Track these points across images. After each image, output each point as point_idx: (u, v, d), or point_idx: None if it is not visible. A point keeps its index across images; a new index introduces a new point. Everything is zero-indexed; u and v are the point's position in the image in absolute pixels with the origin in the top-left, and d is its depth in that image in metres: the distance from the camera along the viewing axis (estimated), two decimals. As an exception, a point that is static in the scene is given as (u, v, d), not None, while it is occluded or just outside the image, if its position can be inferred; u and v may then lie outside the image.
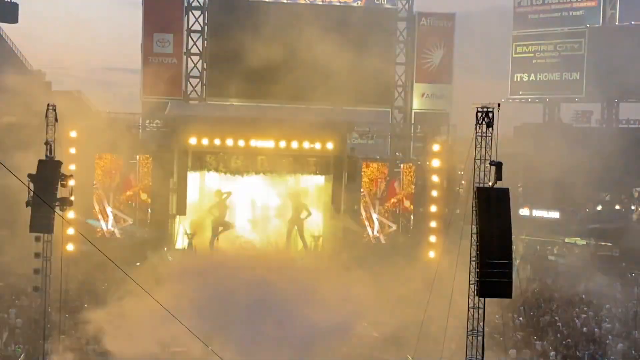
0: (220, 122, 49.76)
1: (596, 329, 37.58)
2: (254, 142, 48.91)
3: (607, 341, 35.73)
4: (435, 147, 53.20)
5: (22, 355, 32.06)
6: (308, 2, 57.23)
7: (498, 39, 73.46)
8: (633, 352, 34.82)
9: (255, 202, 51.18)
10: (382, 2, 58.64)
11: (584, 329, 37.83)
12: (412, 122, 58.60)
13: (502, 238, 25.24)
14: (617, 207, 64.26)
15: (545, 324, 38.59)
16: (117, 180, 49.04)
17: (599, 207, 64.66)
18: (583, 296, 44.31)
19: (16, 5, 64.91)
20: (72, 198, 31.82)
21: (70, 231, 36.59)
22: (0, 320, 35.17)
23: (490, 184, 26.59)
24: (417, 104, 59.09)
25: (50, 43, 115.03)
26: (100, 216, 48.88)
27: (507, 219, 25.46)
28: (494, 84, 76.10)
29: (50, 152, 31.58)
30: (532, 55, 76.47)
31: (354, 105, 54.00)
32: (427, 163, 52.79)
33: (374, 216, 52.00)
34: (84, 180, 45.93)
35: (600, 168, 62.16)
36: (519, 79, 77.19)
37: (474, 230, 25.61)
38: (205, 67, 57.40)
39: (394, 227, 52.20)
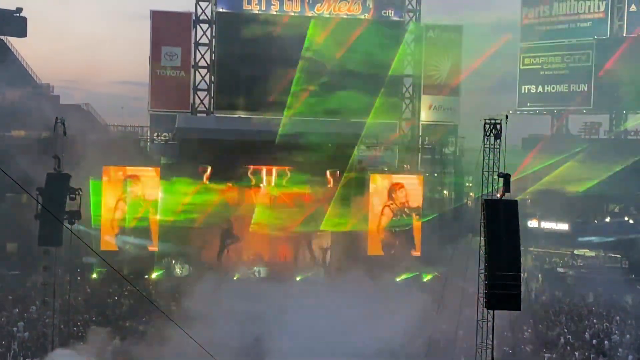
0: (228, 135, 49.87)
1: (606, 341, 37.32)
2: (262, 155, 48.98)
3: (617, 354, 35.46)
4: (443, 159, 53.34)
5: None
6: (316, 14, 57.27)
7: (505, 51, 73.34)
8: (643, 364, 34.62)
9: (263, 215, 51.12)
10: (390, 14, 58.67)
11: (594, 341, 37.57)
12: (420, 134, 58.54)
13: (510, 250, 25.15)
14: (626, 218, 63.94)
15: (554, 336, 38.34)
16: (125, 193, 48.90)
17: (608, 219, 64.38)
18: (592, 308, 44.08)
19: (24, 19, 65.05)
20: (81, 211, 31.83)
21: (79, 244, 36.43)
22: (8, 333, 35.04)
23: (498, 195, 26.54)
24: (424, 115, 59.03)
25: (59, 56, 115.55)
26: (108, 229, 48.79)
27: (516, 231, 25.39)
28: (502, 96, 76.08)
29: (59, 166, 31.55)
30: (540, 66, 76.37)
31: (362, 117, 53.96)
32: (435, 175, 52.78)
33: (382, 228, 51.88)
34: (92, 193, 46.03)
35: (609, 179, 61.97)
36: (526, 91, 77.06)
37: (482, 243, 25.54)
38: (213, 80, 57.48)
39: (402, 238, 52.06)
